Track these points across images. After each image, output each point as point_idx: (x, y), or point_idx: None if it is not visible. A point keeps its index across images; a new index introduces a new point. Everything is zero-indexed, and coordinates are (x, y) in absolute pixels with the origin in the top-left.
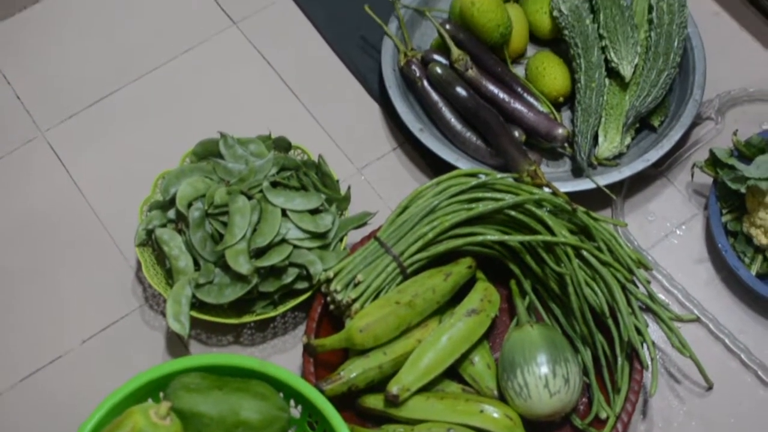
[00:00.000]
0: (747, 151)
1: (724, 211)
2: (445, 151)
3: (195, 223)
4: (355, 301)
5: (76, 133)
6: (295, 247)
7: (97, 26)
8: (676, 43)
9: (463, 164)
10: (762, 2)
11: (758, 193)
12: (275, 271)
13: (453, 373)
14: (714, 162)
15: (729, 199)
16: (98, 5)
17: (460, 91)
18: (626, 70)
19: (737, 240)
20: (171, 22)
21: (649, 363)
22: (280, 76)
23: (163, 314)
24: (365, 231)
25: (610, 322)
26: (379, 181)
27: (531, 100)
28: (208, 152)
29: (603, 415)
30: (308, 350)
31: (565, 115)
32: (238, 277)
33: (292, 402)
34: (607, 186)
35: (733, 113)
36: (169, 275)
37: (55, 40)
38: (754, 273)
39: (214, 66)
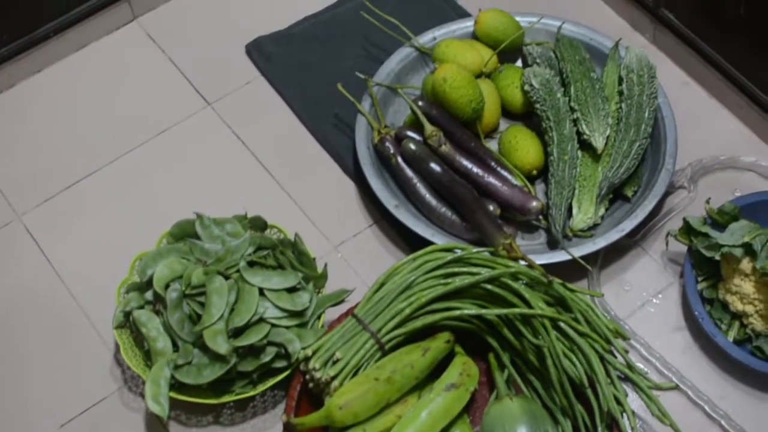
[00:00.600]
0: (720, 219)
1: (699, 279)
2: (420, 227)
3: (173, 304)
4: (334, 378)
5: (53, 217)
6: (273, 325)
7: (72, 109)
8: (646, 114)
9: (439, 239)
10: (730, 71)
11: (733, 260)
12: (254, 351)
13: None
14: (688, 230)
15: (704, 267)
16: (74, 88)
17: (434, 166)
18: (598, 142)
19: (714, 307)
20: (146, 104)
21: None
22: (255, 155)
23: (143, 396)
24: (343, 308)
25: (589, 392)
26: (355, 258)
27: (505, 173)
28: (184, 233)
29: None
30: (288, 429)
31: (539, 187)
32: (217, 357)
33: None
34: (583, 257)
35: (706, 181)
36: (148, 357)
37: (30, 124)
38: (731, 339)
39: (190, 147)
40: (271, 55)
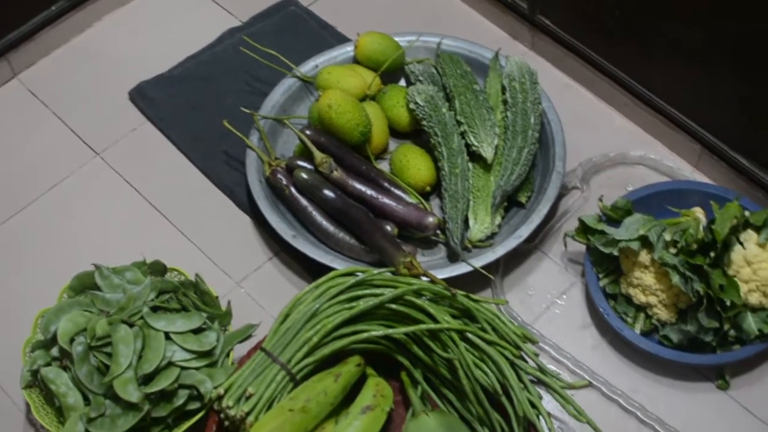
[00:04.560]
0: (614, 215)
1: (600, 276)
2: (320, 254)
3: (79, 357)
4: (248, 414)
5: None
6: (183, 368)
7: None
8: (532, 120)
9: (339, 265)
10: (611, 70)
11: (631, 253)
12: (166, 395)
13: None
14: (584, 229)
15: (604, 264)
16: None
17: (328, 193)
18: (487, 152)
19: (617, 302)
20: (34, 160)
21: None
22: (149, 200)
23: None
24: (251, 343)
25: (504, 399)
26: (259, 292)
27: (398, 193)
28: (84, 285)
29: None
30: None
31: (434, 203)
32: (130, 406)
33: None
34: (484, 266)
35: (598, 179)
36: (60, 413)
37: None
38: (638, 331)
39: (82, 199)
40: (155, 99)
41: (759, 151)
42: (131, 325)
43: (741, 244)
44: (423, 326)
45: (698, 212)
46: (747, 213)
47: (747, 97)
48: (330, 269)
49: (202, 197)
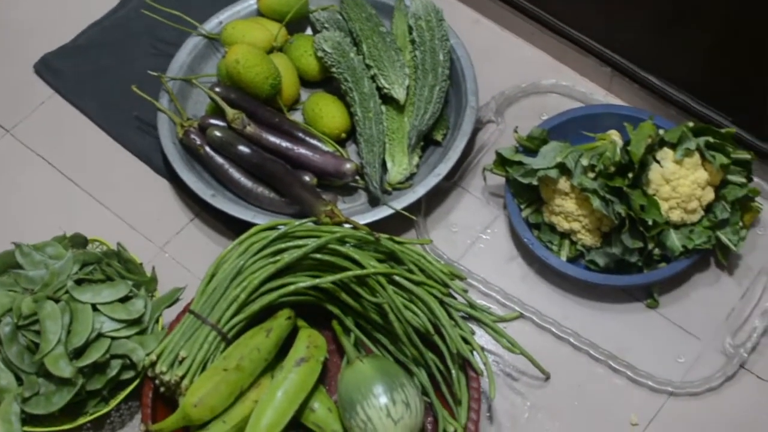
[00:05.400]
0: (531, 145)
1: (522, 207)
2: (240, 211)
3: (7, 338)
4: (183, 378)
5: None
6: (113, 338)
7: None
8: (441, 57)
9: (261, 219)
10: (517, 1)
11: (550, 182)
12: (99, 367)
13: (297, 425)
14: (502, 162)
15: (524, 194)
16: None
17: (243, 149)
18: (399, 93)
19: (541, 231)
20: None
21: (483, 368)
22: (64, 173)
23: None
24: (179, 307)
25: (436, 338)
26: (183, 255)
27: (314, 142)
28: (5, 265)
29: (450, 430)
30: None
31: (351, 149)
32: (63, 382)
33: None
34: (406, 208)
35: (512, 111)
36: None
37: None
38: (564, 258)
39: None
40: (61, 70)
41: (668, 68)
42: (57, 301)
43: (658, 162)
44: (349, 273)
45: (614, 135)
46: (661, 131)
47: (652, 15)
48: (252, 225)
49: (117, 165)
